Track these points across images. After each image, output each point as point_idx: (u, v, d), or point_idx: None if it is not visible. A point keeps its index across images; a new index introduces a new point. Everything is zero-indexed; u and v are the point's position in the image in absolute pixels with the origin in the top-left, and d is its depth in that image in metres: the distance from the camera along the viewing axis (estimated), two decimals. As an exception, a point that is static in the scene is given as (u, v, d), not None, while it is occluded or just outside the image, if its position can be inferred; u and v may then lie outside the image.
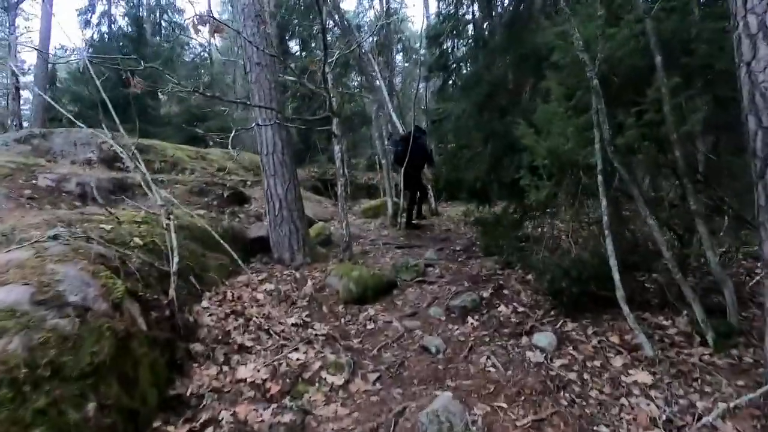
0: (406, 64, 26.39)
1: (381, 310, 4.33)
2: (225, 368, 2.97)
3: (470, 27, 10.94)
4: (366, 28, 18.33)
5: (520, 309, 4.26)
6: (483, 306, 4.37)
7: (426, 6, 20.79)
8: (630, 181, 3.11)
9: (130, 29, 17.87)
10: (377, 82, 9.66)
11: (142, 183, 3.61)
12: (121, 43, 17.14)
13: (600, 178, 3.13)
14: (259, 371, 2.97)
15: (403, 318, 4.17)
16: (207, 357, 3.04)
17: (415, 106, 10.31)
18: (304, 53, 17.45)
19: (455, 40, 13.52)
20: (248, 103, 4.91)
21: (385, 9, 17.74)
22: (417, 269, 5.23)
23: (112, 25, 20.89)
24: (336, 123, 5.28)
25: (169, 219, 3.27)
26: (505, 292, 4.71)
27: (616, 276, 3.07)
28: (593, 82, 2.93)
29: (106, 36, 19.35)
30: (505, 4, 7.03)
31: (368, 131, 15.73)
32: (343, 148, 5.43)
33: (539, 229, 5.99)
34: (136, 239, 3.50)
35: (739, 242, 3.90)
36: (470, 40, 9.09)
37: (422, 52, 20.15)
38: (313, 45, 16.77)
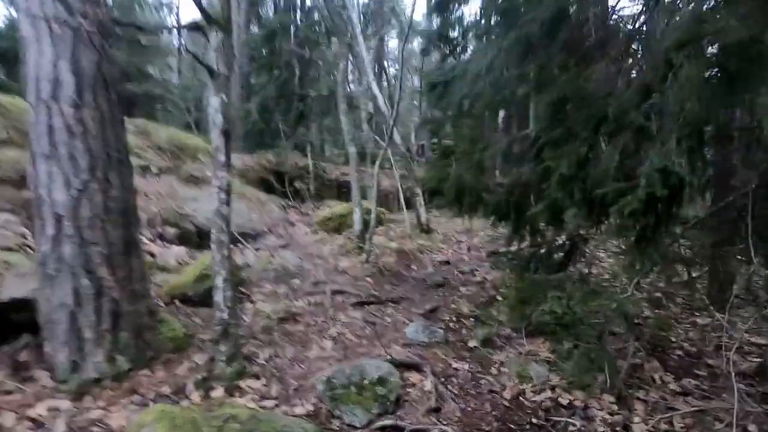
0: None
1: None
2: None
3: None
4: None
5: None
6: None
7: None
8: None
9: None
10: (350, 19, 6.60)
11: None
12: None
13: None
14: None
15: None
16: None
17: (402, 64, 7.32)
18: None
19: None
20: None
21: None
22: (385, 392, 2.26)
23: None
24: (216, 43, 2.28)
25: None
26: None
27: None
28: None
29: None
30: None
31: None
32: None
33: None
34: None
35: None
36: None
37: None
38: None
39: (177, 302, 3.09)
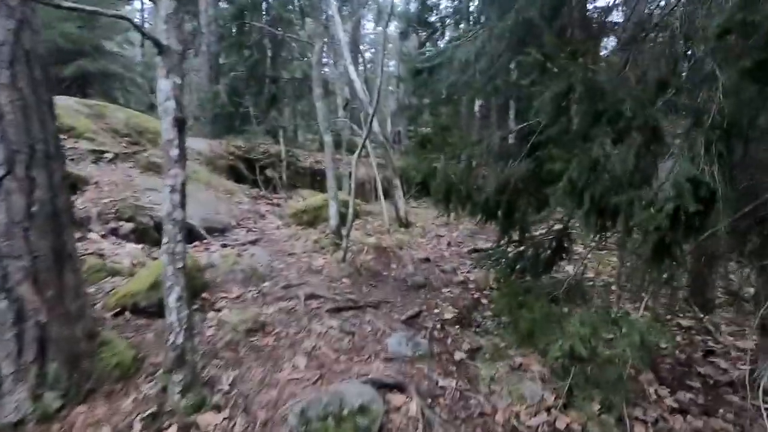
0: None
1: None
2: None
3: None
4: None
5: None
6: None
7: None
8: None
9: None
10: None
11: None
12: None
13: None
14: None
15: None
16: None
17: (384, 48, 6.95)
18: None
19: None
20: None
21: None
22: (367, 423, 1.99)
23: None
24: (167, 12, 1.89)
25: None
26: None
27: None
28: None
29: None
30: None
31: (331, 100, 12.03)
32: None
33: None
34: None
35: None
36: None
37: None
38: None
39: (127, 313, 2.71)
